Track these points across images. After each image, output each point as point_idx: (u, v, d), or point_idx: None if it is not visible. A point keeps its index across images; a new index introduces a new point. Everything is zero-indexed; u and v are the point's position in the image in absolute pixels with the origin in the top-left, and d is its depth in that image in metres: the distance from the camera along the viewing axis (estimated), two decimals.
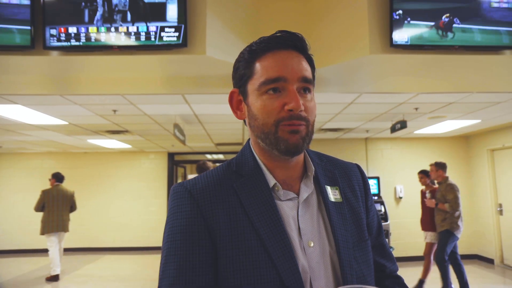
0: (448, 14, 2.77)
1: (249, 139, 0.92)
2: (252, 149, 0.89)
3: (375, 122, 5.92)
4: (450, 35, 2.77)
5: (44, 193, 6.54)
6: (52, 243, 6.40)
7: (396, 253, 7.12)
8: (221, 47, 2.85)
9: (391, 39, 2.78)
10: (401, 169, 7.75)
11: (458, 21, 2.77)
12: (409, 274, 6.06)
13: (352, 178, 0.94)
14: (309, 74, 0.83)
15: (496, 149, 7.04)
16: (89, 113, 4.89)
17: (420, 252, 7.71)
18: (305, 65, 0.83)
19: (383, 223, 6.83)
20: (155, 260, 6.14)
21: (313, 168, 0.88)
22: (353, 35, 2.89)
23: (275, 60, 0.81)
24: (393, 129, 5.51)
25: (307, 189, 0.85)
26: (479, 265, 7.07)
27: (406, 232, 7.55)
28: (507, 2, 2.81)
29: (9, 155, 9.37)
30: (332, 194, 0.87)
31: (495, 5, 2.79)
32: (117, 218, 9.17)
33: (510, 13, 2.81)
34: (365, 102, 4.56)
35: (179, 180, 10.68)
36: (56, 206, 6.50)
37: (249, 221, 0.78)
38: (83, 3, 2.64)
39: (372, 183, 7.42)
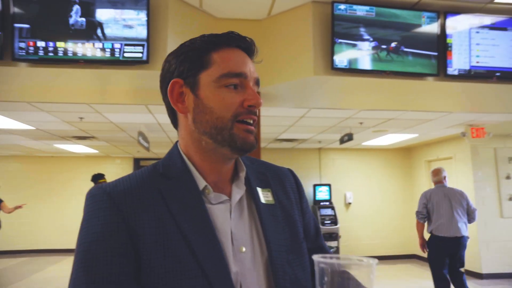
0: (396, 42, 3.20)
1: (177, 142, 0.86)
2: (181, 151, 0.82)
3: (325, 134, 6.40)
4: (387, 60, 3.20)
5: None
6: None
7: (344, 254, 7.68)
8: None
9: (332, 62, 3.16)
10: (351, 178, 8.35)
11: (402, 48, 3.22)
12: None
13: (285, 182, 0.91)
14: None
15: (432, 160, 7.83)
16: (56, 120, 4.97)
17: (367, 253, 8.28)
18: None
19: (333, 227, 7.42)
20: None
21: (245, 168, 0.83)
22: (300, 57, 3.26)
23: (236, 56, 0.79)
24: (342, 141, 6.00)
25: (239, 191, 0.80)
26: (417, 263, 7.84)
27: (354, 234, 8.13)
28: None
29: None
30: (264, 196, 0.83)
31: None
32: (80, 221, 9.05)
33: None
34: (314, 116, 4.99)
35: None
36: None
37: (177, 226, 0.71)
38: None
39: (324, 189, 7.95)
